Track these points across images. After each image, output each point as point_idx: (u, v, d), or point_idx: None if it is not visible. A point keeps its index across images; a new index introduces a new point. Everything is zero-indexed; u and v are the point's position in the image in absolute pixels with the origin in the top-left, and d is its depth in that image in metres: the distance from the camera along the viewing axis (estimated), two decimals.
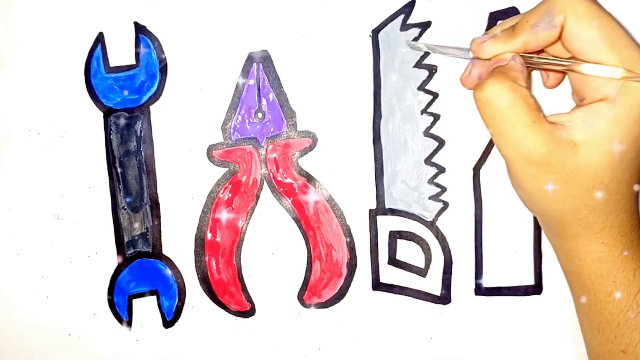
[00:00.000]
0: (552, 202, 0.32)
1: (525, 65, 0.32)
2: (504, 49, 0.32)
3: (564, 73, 0.35)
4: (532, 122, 0.30)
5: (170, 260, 0.47)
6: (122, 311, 0.47)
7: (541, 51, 0.34)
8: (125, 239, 0.47)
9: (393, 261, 0.45)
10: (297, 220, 0.46)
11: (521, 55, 0.32)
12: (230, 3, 0.45)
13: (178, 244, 0.47)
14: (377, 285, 0.45)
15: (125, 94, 0.46)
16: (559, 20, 0.29)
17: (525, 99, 0.30)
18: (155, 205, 0.47)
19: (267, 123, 0.46)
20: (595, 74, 0.29)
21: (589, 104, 0.30)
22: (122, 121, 0.46)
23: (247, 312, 0.46)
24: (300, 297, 0.46)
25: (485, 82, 0.30)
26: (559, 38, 0.31)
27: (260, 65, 0.45)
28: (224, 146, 0.46)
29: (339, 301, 0.46)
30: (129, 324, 0.47)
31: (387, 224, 0.45)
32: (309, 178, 0.45)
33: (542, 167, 0.30)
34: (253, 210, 0.46)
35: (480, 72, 0.36)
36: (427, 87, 0.44)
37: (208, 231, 0.46)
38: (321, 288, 0.46)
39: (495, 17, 0.43)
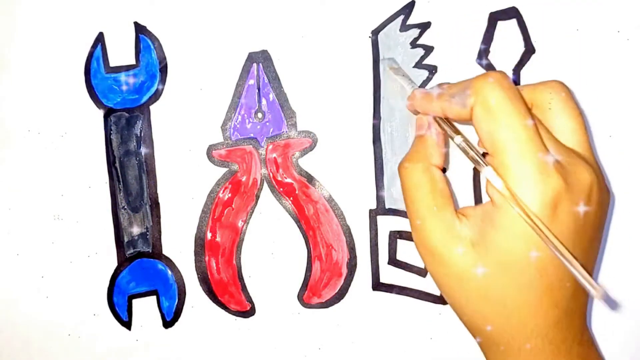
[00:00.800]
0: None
1: (443, 133, 0.32)
2: (424, 106, 0.32)
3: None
4: (433, 208, 0.29)
5: (170, 260, 0.47)
6: (122, 311, 0.47)
7: None
8: (125, 239, 0.47)
9: (393, 261, 0.45)
10: (297, 220, 0.46)
11: (441, 122, 0.32)
12: (230, 3, 0.45)
13: (178, 244, 0.47)
14: (377, 285, 0.45)
15: (124, 89, 0.46)
16: (470, 102, 0.28)
17: (434, 183, 0.30)
18: (155, 205, 0.47)
19: (267, 123, 0.46)
20: (484, 177, 0.27)
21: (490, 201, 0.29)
22: (122, 121, 0.47)
23: (247, 312, 0.46)
24: (300, 297, 0.46)
25: (404, 158, 0.32)
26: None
27: (260, 65, 0.45)
28: (224, 146, 0.46)
29: (339, 301, 0.46)
30: (129, 324, 0.47)
31: (387, 224, 0.45)
32: (309, 178, 0.45)
33: (435, 258, 0.30)
34: (253, 210, 0.46)
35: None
36: (427, 88, 0.44)
37: (208, 231, 0.46)
38: (321, 288, 0.46)
39: (495, 17, 0.43)
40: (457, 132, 0.31)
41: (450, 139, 0.32)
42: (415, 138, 0.33)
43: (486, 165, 0.27)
